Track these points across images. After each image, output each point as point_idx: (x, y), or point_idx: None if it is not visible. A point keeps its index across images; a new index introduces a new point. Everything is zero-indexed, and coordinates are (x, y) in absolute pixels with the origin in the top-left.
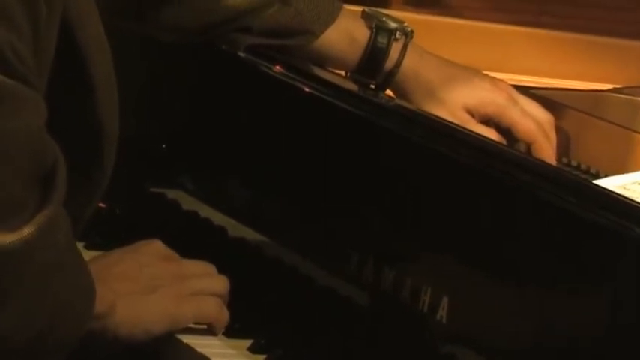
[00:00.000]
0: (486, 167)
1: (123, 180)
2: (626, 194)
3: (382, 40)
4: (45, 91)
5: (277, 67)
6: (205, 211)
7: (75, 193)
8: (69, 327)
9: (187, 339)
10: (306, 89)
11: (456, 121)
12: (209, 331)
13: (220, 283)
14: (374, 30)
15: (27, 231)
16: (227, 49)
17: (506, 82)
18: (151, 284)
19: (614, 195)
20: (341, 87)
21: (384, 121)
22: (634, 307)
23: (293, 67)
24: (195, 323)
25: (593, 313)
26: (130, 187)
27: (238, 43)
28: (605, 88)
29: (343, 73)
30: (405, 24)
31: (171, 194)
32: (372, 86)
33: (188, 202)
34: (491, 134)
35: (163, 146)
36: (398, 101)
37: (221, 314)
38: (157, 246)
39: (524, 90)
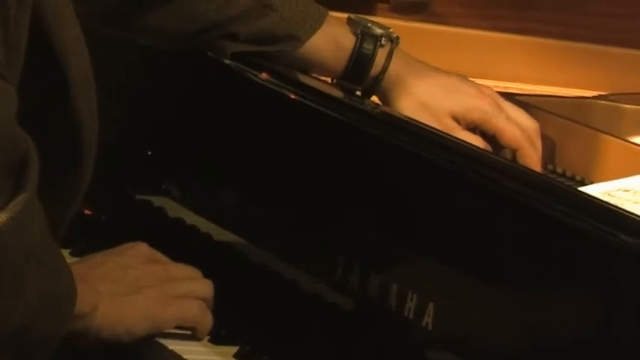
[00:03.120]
0: (472, 174)
1: (109, 187)
2: (612, 201)
3: (368, 46)
4: (23, 92)
5: (263, 74)
6: (191, 218)
7: (55, 195)
8: (50, 324)
9: (173, 345)
10: (292, 96)
11: (442, 128)
12: (193, 336)
13: (205, 287)
14: (359, 36)
15: (1, 218)
16: (213, 55)
17: (491, 89)
18: (135, 285)
19: (599, 202)
20: (326, 94)
21: (370, 127)
22: (619, 313)
23: (279, 74)
24: (179, 328)
25: (579, 320)
26: (116, 194)
27: (225, 50)
28: (590, 95)
29: (329, 80)
30: (391, 30)
31: (158, 201)
32: (359, 92)
33: (174, 209)
34: (476, 141)
35: (149, 153)
36: (383, 108)
37: (205, 318)
38: (141, 248)
39: (509, 97)
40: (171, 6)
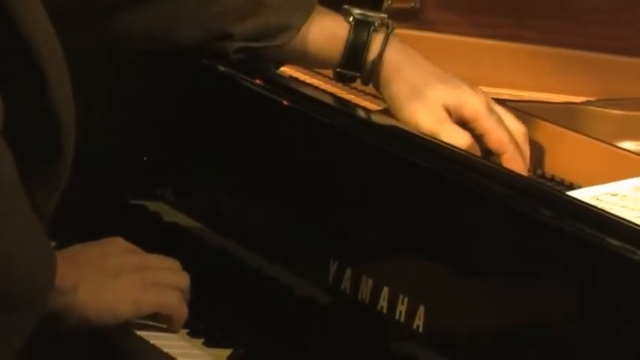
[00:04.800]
0: (462, 179)
1: (105, 191)
2: (599, 205)
3: (362, 32)
4: (1, 86)
5: (257, 80)
6: (186, 222)
7: (38, 185)
8: (29, 282)
9: (168, 349)
10: (285, 102)
11: (433, 117)
12: (169, 328)
13: (182, 279)
14: (353, 23)
15: None
16: (207, 62)
17: (484, 92)
18: (115, 271)
19: (588, 206)
20: (319, 100)
21: (363, 133)
22: (607, 315)
23: (272, 81)
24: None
25: (568, 322)
26: (112, 198)
27: (223, 51)
28: (578, 100)
29: (323, 75)
30: (385, 16)
31: (153, 206)
32: (358, 80)
33: (169, 214)
34: (465, 136)
35: (145, 158)
36: (376, 114)
37: (181, 308)
38: (120, 241)
39: (501, 103)
40: (148, 6)
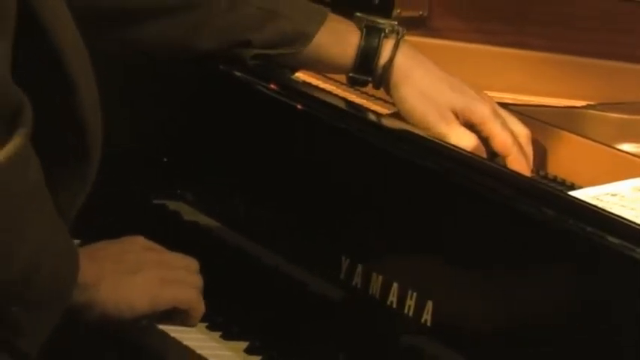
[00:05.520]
0: (468, 179)
1: (127, 192)
2: (600, 205)
3: (373, 38)
4: (30, 90)
5: (272, 85)
6: (205, 221)
7: (65, 187)
8: (53, 279)
9: (188, 342)
10: (299, 106)
11: (441, 119)
12: (186, 322)
13: (197, 278)
14: (364, 30)
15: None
16: (225, 68)
17: (489, 97)
18: (135, 267)
19: (588, 205)
20: (332, 104)
21: (373, 136)
22: (608, 312)
23: (287, 86)
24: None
25: (569, 317)
26: (134, 198)
27: (241, 57)
28: (579, 104)
29: (334, 85)
30: (396, 23)
31: (173, 205)
32: (370, 84)
33: (188, 213)
34: (472, 138)
35: (165, 160)
36: (386, 118)
37: (199, 304)
38: (139, 239)
39: (505, 107)
40: (169, 17)
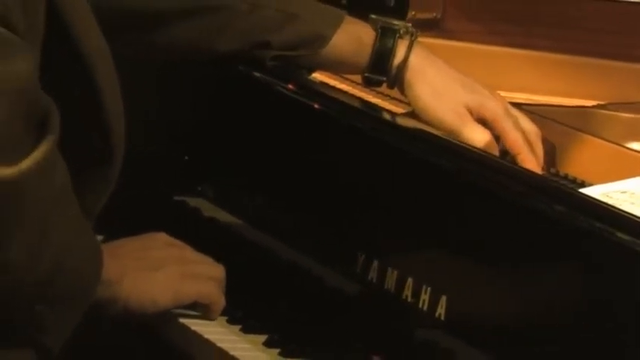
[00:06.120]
0: (481, 177)
1: (149, 189)
2: (610, 202)
3: (388, 39)
4: (58, 97)
5: (290, 85)
6: (224, 218)
7: (90, 188)
8: (77, 278)
9: (208, 335)
10: (316, 106)
11: (455, 116)
12: (207, 315)
13: (218, 271)
14: (379, 31)
15: (25, 164)
16: (244, 69)
17: (502, 96)
18: (157, 263)
19: (599, 202)
20: (348, 104)
21: (388, 134)
22: (618, 308)
23: (305, 86)
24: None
25: (580, 312)
26: (156, 195)
27: (260, 59)
28: (590, 104)
29: (350, 85)
30: (410, 25)
31: (193, 202)
32: (384, 84)
33: (209, 209)
34: (485, 133)
35: (186, 158)
36: (400, 117)
37: (220, 298)
38: (161, 235)
39: (517, 106)
40: (190, 20)
